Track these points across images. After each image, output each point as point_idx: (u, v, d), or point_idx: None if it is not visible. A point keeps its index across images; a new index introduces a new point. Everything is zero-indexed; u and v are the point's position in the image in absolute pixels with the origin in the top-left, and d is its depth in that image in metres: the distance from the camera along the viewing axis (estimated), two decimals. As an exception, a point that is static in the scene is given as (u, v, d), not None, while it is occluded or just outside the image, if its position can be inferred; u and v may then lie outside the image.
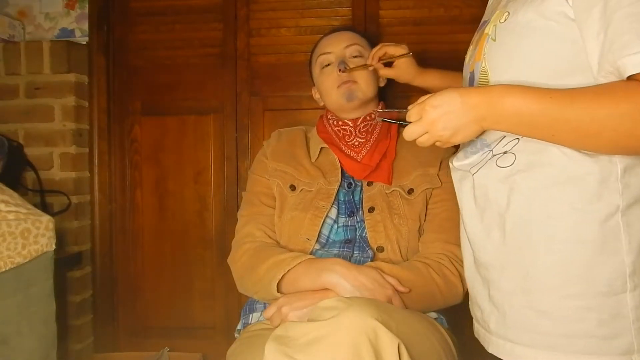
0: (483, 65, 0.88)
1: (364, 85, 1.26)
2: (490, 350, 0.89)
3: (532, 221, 0.80)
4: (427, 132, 0.82)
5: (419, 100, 0.84)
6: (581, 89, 0.73)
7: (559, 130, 0.74)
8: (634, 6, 0.68)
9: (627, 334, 0.74)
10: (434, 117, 0.80)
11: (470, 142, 0.91)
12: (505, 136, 0.84)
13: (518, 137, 0.82)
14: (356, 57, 1.29)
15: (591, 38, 0.73)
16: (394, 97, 1.55)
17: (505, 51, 0.84)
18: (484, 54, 0.88)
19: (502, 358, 0.85)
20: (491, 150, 0.87)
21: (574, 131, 0.73)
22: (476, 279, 0.93)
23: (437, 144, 0.84)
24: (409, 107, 0.85)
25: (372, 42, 1.35)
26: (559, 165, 0.78)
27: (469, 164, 0.92)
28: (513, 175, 0.82)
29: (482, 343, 0.92)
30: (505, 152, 0.84)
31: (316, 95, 1.39)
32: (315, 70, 1.33)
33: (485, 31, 0.89)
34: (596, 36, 0.72)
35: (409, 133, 0.84)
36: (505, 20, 0.84)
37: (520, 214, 0.82)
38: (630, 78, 0.70)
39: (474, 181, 0.90)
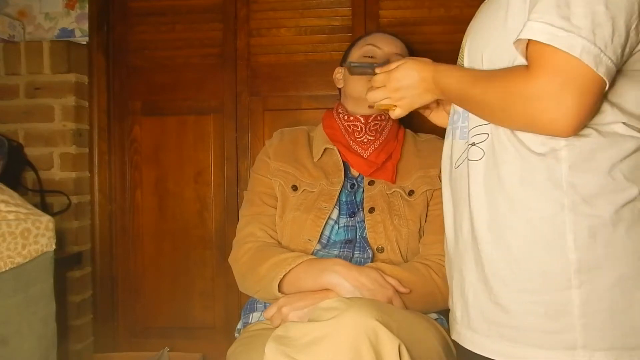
0: (462, 44, 0.95)
1: None
2: (453, 337, 0.93)
3: (489, 216, 0.84)
4: (389, 97, 0.98)
5: (386, 68, 0.99)
6: (486, 70, 0.84)
7: (470, 104, 0.86)
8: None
9: (572, 330, 0.76)
10: (396, 86, 0.96)
11: (453, 127, 0.96)
12: (477, 125, 0.87)
13: (487, 132, 0.85)
14: None
15: None
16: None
17: (476, 27, 0.92)
18: (466, 35, 0.96)
19: (463, 346, 0.89)
20: (468, 141, 0.90)
21: (477, 105, 0.83)
22: (451, 268, 0.96)
23: (397, 110, 0.99)
24: (377, 71, 1.00)
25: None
26: (514, 163, 0.81)
27: (451, 154, 0.96)
28: (479, 171, 0.86)
29: (450, 331, 0.95)
30: (474, 144, 0.88)
31: (338, 76, 1.38)
32: (355, 54, 1.33)
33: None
34: None
35: (373, 96, 1.00)
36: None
37: (480, 209, 0.85)
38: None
39: (452, 174, 0.94)
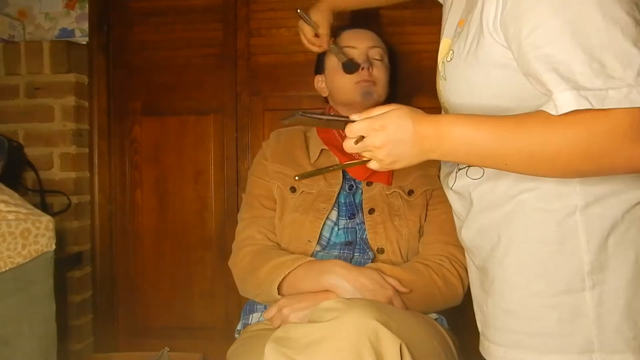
0: (442, 101, 0.91)
1: (381, 89, 1.28)
2: (480, 350, 0.91)
3: (497, 223, 0.83)
4: (368, 151, 0.77)
5: (368, 114, 0.77)
6: (532, 115, 0.69)
7: (511, 158, 0.70)
8: (547, 48, 0.67)
9: (587, 332, 0.75)
10: (381, 141, 0.74)
11: None
12: None
13: None
14: (378, 60, 1.29)
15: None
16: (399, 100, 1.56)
17: (455, 90, 0.85)
18: (440, 91, 0.90)
19: (485, 357, 0.87)
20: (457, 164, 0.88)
21: (527, 158, 0.69)
22: (472, 281, 0.96)
23: (372, 164, 0.79)
24: (353, 117, 0.77)
25: (387, 45, 1.36)
26: None
27: (445, 175, 0.95)
28: (482, 184, 0.85)
29: None
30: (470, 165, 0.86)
31: (321, 85, 1.36)
32: (332, 59, 1.30)
33: (438, 67, 0.90)
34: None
35: (349, 147, 0.78)
36: (451, 59, 0.84)
37: (489, 217, 0.84)
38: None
39: (453, 193, 0.92)
